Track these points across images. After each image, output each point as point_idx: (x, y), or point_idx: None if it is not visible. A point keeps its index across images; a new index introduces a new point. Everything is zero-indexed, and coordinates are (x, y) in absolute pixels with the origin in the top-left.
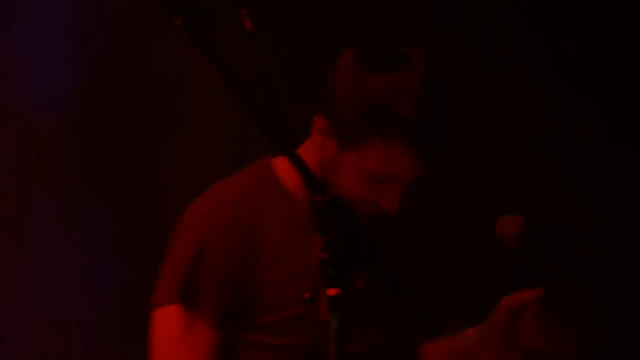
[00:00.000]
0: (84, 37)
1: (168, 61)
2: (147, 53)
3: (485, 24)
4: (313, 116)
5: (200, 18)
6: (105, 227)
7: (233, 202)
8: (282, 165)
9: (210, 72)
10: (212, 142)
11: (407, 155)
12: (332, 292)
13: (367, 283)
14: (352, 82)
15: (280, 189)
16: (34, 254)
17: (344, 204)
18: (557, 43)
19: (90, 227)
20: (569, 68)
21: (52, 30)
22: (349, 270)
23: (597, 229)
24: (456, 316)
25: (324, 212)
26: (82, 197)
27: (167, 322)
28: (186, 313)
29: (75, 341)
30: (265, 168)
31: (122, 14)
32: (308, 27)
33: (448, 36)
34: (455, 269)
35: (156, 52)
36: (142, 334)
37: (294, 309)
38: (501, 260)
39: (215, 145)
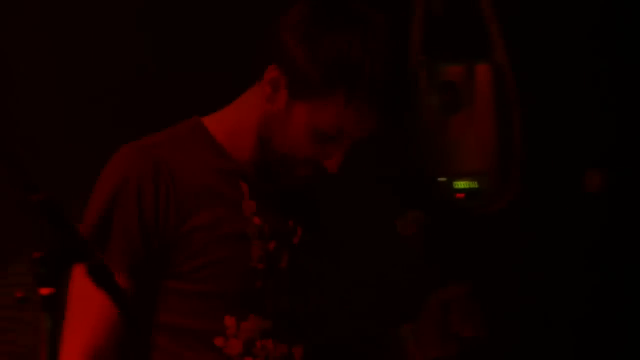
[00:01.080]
0: None
1: None
2: None
3: None
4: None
5: None
6: None
7: (153, 145)
8: (213, 120)
9: None
10: None
11: (366, 114)
12: (45, 291)
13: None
14: (313, 34)
15: (209, 138)
16: None
17: (58, 203)
18: None
19: None
20: None
21: None
22: (62, 269)
23: None
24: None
25: (38, 212)
26: None
27: (80, 272)
28: None
29: None
30: (194, 121)
31: None
32: None
33: None
34: None
35: None
36: None
37: (220, 252)
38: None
39: None
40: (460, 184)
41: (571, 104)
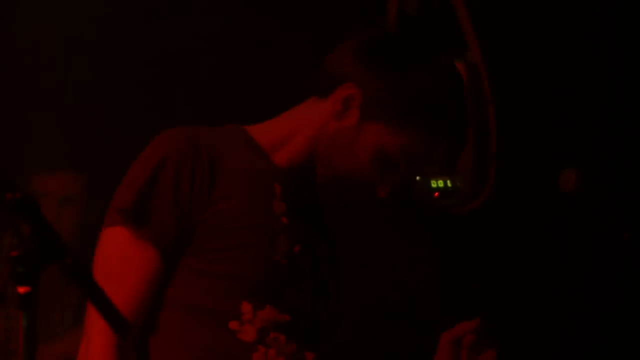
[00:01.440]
0: None
1: None
2: None
3: None
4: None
5: None
6: None
7: (194, 131)
8: (258, 128)
9: None
10: None
11: (438, 149)
12: (22, 290)
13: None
14: (399, 63)
15: (249, 139)
16: None
17: (34, 202)
18: None
19: None
20: None
21: None
22: (39, 268)
23: None
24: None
25: (15, 210)
26: None
27: (113, 241)
28: (133, 233)
29: None
30: (235, 125)
31: None
32: None
33: None
34: None
35: None
36: None
37: (246, 239)
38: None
39: None
40: (437, 183)
41: (546, 103)
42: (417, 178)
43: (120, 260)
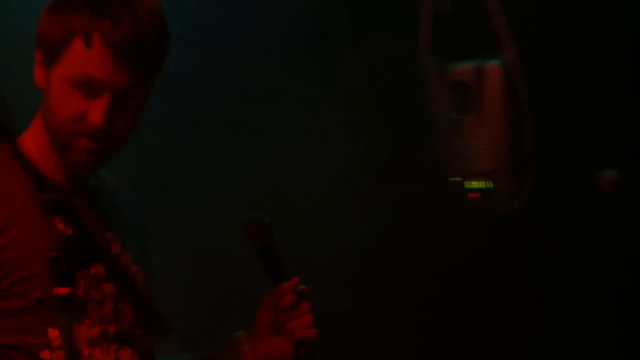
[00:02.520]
0: None
1: None
2: None
3: None
4: None
5: None
6: None
7: None
8: (26, 137)
9: None
10: None
11: (105, 56)
12: (62, 291)
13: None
14: (54, 7)
15: (14, 151)
16: None
17: (73, 204)
18: None
19: None
20: None
21: None
22: (78, 270)
23: None
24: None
25: (54, 211)
26: None
27: None
28: None
29: None
30: (8, 144)
31: None
32: None
33: None
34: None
35: None
36: None
37: (34, 268)
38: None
39: None
40: (472, 184)
41: (585, 102)
42: (453, 179)
43: None
